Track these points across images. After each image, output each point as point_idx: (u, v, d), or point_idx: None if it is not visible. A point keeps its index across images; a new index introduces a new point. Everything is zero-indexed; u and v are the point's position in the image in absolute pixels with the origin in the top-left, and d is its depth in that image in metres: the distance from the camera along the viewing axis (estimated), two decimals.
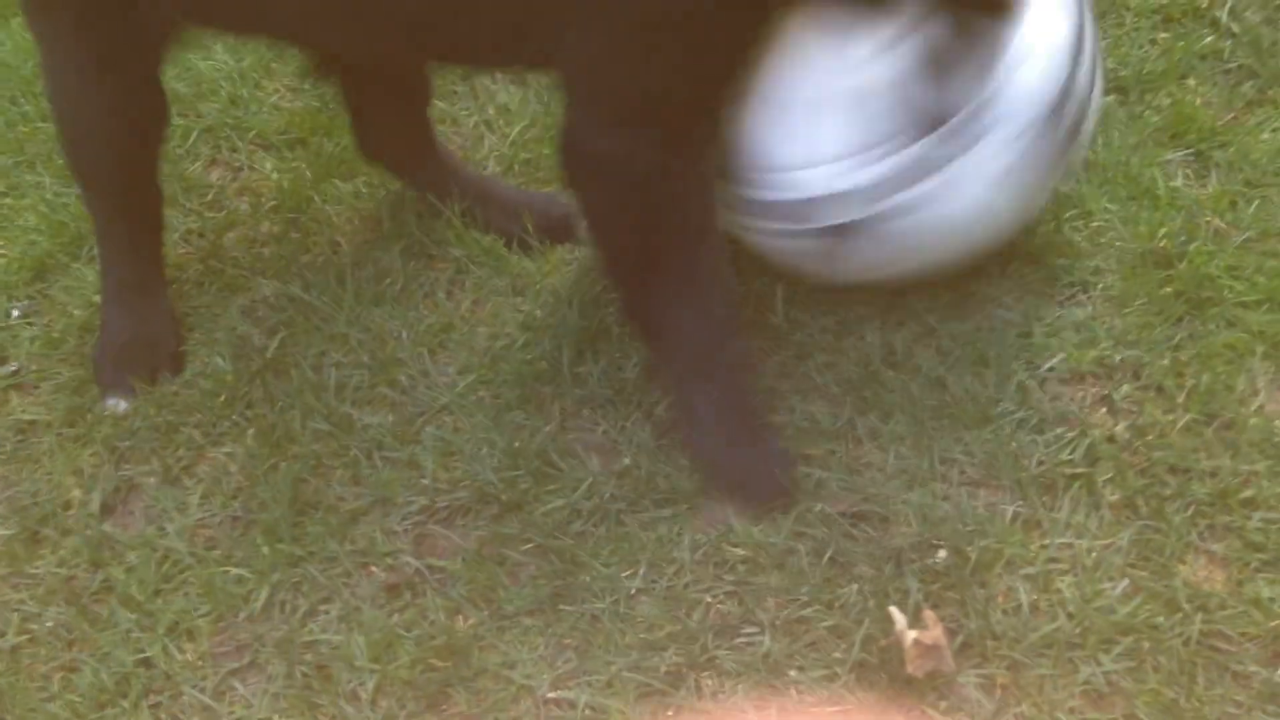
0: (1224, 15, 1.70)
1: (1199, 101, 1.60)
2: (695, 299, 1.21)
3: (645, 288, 1.22)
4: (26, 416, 1.47)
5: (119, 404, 1.46)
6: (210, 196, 1.69)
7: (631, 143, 1.12)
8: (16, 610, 1.31)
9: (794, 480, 1.27)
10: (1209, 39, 1.68)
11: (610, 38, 1.09)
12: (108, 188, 1.45)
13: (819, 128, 1.22)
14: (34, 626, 1.29)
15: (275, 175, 1.69)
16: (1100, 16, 1.68)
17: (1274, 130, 1.56)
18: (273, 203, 1.67)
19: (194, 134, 1.75)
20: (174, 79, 1.70)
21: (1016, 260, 1.47)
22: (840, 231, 1.25)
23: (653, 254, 1.18)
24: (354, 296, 1.53)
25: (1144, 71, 1.64)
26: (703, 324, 1.23)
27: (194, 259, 1.61)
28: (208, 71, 1.81)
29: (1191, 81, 1.64)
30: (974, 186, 1.26)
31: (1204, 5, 1.72)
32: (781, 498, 1.25)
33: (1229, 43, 1.67)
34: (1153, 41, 1.69)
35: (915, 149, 1.21)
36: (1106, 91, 1.56)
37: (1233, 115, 1.58)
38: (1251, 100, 1.61)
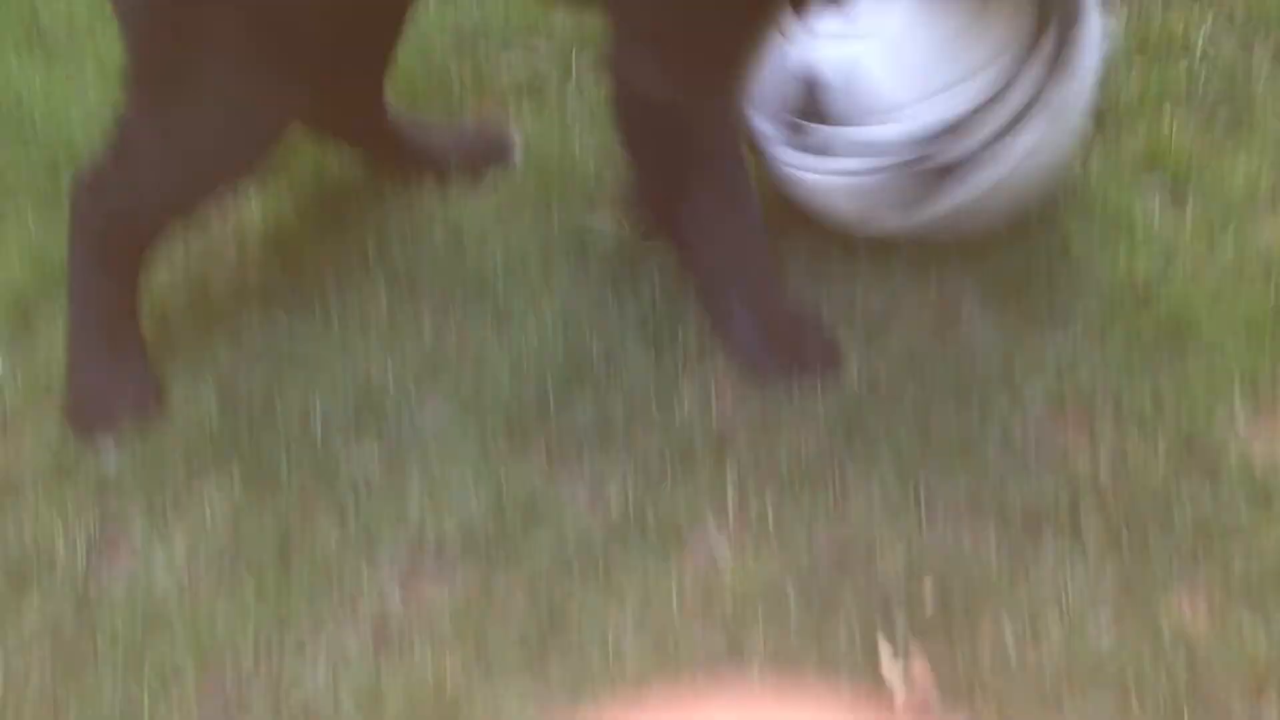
0: (1200, 43, 1.72)
1: (1175, 130, 1.62)
2: (727, 210, 1.35)
3: (680, 204, 1.35)
4: (10, 464, 1.46)
5: (106, 452, 1.44)
6: (192, 229, 1.68)
7: (671, 74, 1.26)
8: (1, 661, 1.30)
9: (837, 343, 1.39)
10: (1184, 66, 1.70)
11: None
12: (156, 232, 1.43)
13: (937, 62, 1.30)
14: (19, 676, 1.28)
15: (259, 207, 1.69)
16: None
17: (1249, 159, 1.57)
18: (257, 235, 1.66)
19: None
20: None
21: (997, 290, 1.49)
22: (949, 168, 1.33)
23: (687, 173, 1.32)
24: (340, 331, 1.53)
25: (1120, 101, 1.66)
26: (735, 231, 1.36)
27: (177, 294, 1.61)
28: None
29: (1167, 110, 1.66)
30: (1072, 119, 1.34)
31: (1179, 33, 1.73)
32: (833, 359, 1.38)
33: (1204, 71, 1.69)
34: (1129, 70, 1.70)
35: (1027, 77, 1.28)
36: None
37: (1209, 144, 1.59)
38: (1227, 129, 1.62)
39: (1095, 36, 1.35)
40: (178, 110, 1.33)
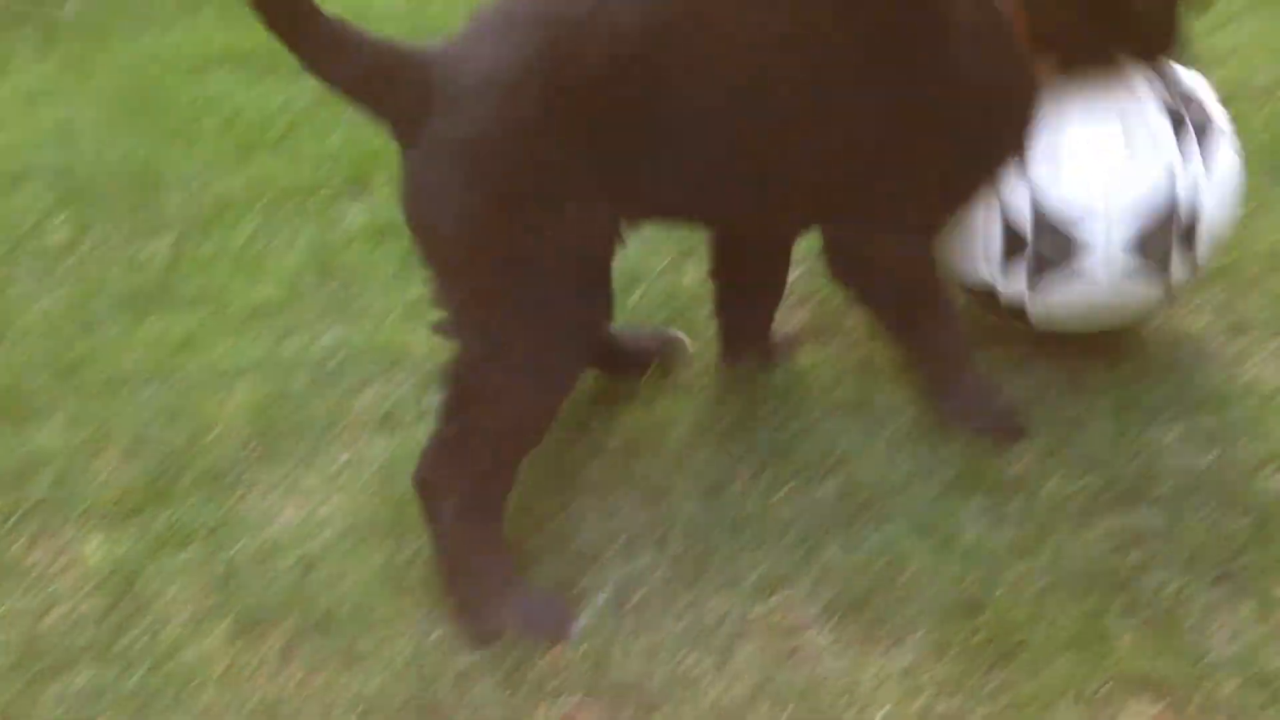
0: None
1: (993, 450, 1.73)
2: (944, 325, 1.73)
3: (913, 330, 1.73)
4: None
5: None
6: (32, 577, 1.65)
7: (898, 247, 1.67)
8: None
9: (1022, 418, 1.74)
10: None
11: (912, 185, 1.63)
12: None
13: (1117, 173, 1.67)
14: None
15: (101, 551, 1.67)
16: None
17: (1063, 476, 1.68)
18: (96, 581, 1.63)
19: (17, 514, 1.72)
20: None
21: (839, 609, 1.53)
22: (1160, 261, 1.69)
23: (916, 310, 1.71)
24: (178, 682, 1.49)
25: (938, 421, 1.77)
26: (952, 338, 1.74)
27: (7, 647, 1.55)
28: (36, 449, 1.81)
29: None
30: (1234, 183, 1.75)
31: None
32: (1020, 428, 1.73)
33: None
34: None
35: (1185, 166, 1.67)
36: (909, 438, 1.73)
37: (1022, 463, 1.71)
38: (1044, 447, 1.74)
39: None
40: (512, 340, 1.49)
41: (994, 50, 1.59)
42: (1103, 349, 1.83)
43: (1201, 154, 1.68)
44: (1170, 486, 1.64)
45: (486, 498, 1.53)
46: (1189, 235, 1.68)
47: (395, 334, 2.00)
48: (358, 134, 2.50)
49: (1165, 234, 1.66)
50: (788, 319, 1.94)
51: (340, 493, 1.75)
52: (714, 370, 1.87)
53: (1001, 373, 1.80)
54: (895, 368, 1.83)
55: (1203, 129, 1.69)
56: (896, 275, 1.68)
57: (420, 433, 1.83)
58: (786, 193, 1.61)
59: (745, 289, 1.83)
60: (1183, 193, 1.66)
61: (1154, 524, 1.60)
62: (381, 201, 2.31)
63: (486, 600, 1.50)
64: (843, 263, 1.69)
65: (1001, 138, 1.65)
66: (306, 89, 2.65)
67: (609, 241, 1.54)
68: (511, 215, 1.46)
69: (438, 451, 1.53)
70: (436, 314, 1.58)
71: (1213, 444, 1.69)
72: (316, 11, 1.46)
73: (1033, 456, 1.70)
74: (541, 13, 1.49)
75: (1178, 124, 1.67)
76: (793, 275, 1.89)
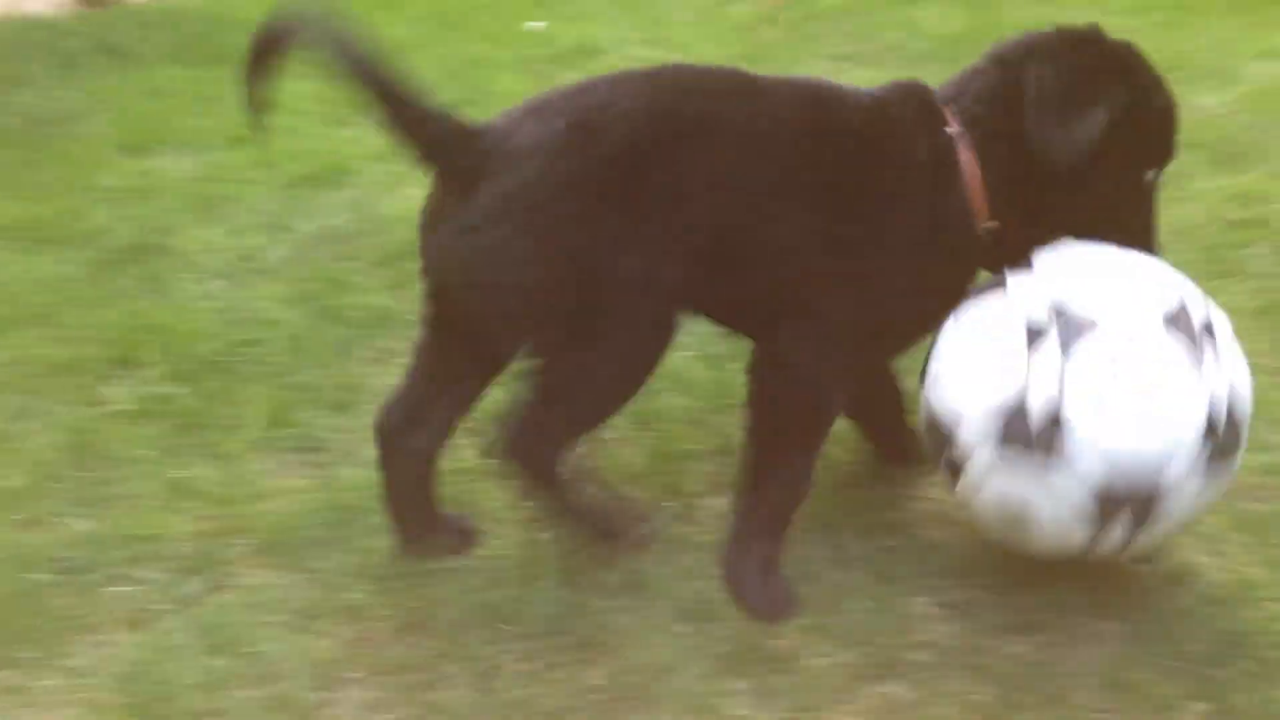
0: None
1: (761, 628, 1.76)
2: (795, 477, 1.83)
3: (771, 456, 1.82)
4: None
5: None
6: None
7: (820, 380, 1.82)
8: None
9: (793, 600, 1.78)
10: None
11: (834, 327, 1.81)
12: None
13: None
14: None
15: None
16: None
17: (825, 651, 1.71)
18: None
19: None
20: None
21: None
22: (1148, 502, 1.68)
23: (789, 438, 1.82)
24: None
25: (708, 598, 1.79)
26: (789, 495, 1.83)
27: None
28: None
29: None
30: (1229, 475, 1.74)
31: None
32: (789, 610, 1.77)
33: None
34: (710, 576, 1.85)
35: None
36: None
37: (788, 639, 1.74)
38: (806, 623, 1.77)
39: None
40: (588, 357, 1.74)
41: (944, 205, 1.78)
42: (865, 521, 1.90)
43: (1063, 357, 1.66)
44: (924, 657, 1.69)
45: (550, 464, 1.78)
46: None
47: (152, 520, 1.91)
48: (131, 307, 2.44)
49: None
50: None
51: (79, 697, 1.63)
52: (491, 547, 1.86)
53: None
54: (664, 547, 1.85)
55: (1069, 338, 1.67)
56: (798, 393, 1.81)
57: (174, 623, 1.74)
58: (746, 283, 1.81)
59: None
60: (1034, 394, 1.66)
61: (908, 696, 1.64)
62: (148, 379, 2.24)
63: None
64: (765, 360, 1.84)
65: (935, 289, 1.81)
66: (82, 261, 2.58)
67: (652, 279, 1.74)
68: (558, 251, 1.71)
69: (528, 427, 1.76)
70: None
71: (961, 613, 1.76)
72: (417, 96, 1.72)
73: (798, 632, 1.74)
74: (568, 103, 1.77)
75: (1036, 335, 1.68)
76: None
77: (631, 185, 1.73)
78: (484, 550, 1.87)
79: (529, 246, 1.70)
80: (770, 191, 1.77)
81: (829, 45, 3.62)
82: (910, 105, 1.82)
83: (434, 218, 1.77)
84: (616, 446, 2.08)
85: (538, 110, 1.77)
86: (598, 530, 1.82)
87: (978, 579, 1.81)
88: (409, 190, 2.79)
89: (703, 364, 2.24)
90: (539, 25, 3.80)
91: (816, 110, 1.81)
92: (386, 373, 2.18)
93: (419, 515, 1.85)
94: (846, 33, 3.74)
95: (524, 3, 4.04)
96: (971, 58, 1.88)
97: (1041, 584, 1.78)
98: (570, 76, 3.48)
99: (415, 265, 1.83)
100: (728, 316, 1.90)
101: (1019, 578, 1.80)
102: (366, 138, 3.14)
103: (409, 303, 2.28)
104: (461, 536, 1.87)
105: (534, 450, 1.77)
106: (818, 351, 1.80)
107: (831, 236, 1.78)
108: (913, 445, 1.96)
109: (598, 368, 1.76)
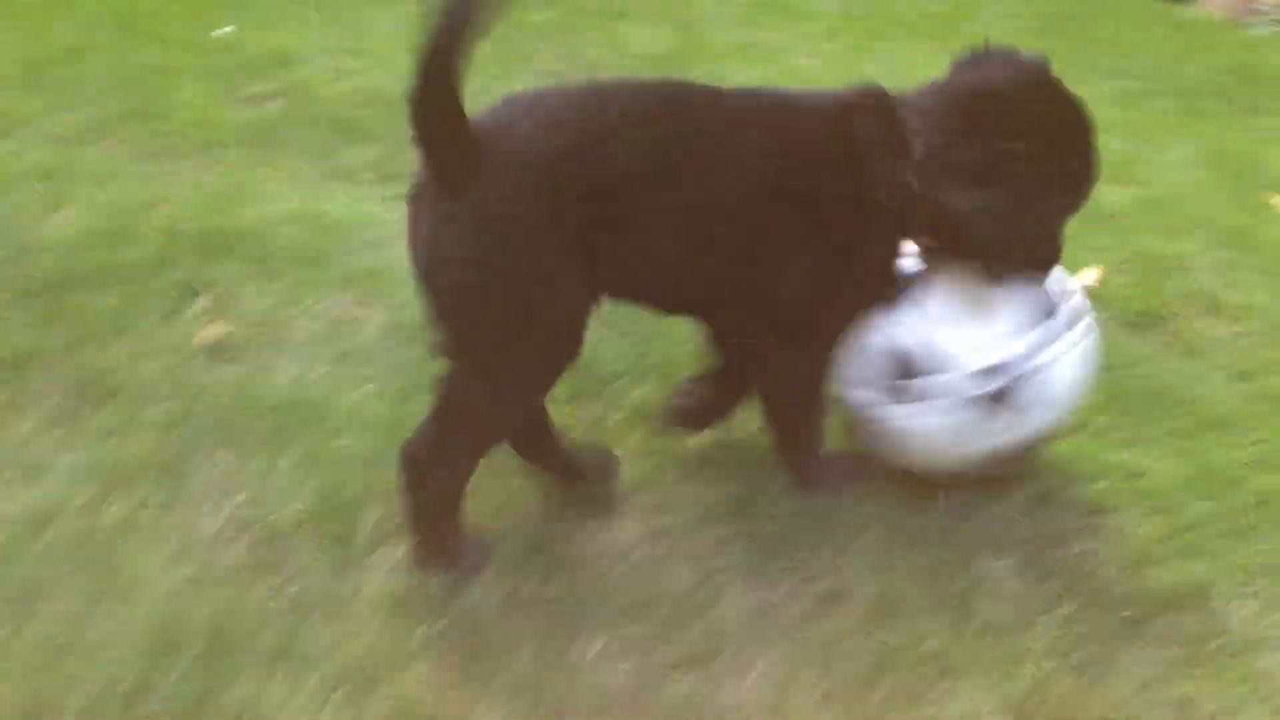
0: None
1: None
2: (815, 426, 2.10)
3: (797, 423, 2.10)
4: None
5: None
6: None
7: (805, 355, 2.04)
8: None
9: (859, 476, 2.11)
10: None
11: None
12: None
13: (981, 327, 2.00)
14: None
15: None
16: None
17: (488, 706, 1.67)
18: None
19: None
20: None
21: None
22: (999, 395, 1.96)
23: (793, 411, 2.09)
24: None
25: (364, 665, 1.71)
26: (811, 433, 2.11)
27: None
28: None
29: None
30: (1075, 366, 2.02)
31: None
32: (860, 477, 2.10)
33: None
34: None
35: (1039, 331, 1.99)
36: None
37: (456, 699, 1.68)
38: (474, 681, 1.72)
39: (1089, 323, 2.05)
40: (493, 378, 1.85)
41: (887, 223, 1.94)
42: (539, 567, 1.87)
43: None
44: (589, 705, 1.67)
45: (454, 481, 1.89)
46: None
47: None
48: None
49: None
50: None
51: None
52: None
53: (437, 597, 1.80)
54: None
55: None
56: (787, 383, 2.07)
57: None
58: (719, 299, 1.99)
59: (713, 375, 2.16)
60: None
61: None
62: None
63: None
64: (757, 364, 2.06)
65: (875, 288, 2.02)
66: None
67: (586, 307, 1.88)
68: (516, 278, 1.80)
69: (428, 440, 1.86)
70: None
71: (631, 653, 1.75)
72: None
73: (458, 692, 1.68)
74: (566, 113, 1.83)
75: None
76: None
77: (607, 219, 1.81)
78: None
79: (490, 263, 1.78)
80: (742, 207, 1.88)
81: (539, 61, 3.57)
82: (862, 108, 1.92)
83: (421, 201, 1.81)
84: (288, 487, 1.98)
85: (535, 112, 1.82)
86: (444, 556, 1.87)
87: (648, 616, 1.80)
88: (66, 213, 2.57)
89: (384, 402, 2.16)
90: (226, 31, 3.57)
91: (776, 117, 1.93)
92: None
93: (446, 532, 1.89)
94: (555, 49, 3.70)
95: (211, 7, 3.78)
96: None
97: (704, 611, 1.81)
98: (262, 87, 3.40)
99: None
100: (707, 323, 2.09)
101: (686, 611, 1.82)
102: (24, 151, 2.91)
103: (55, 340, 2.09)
104: (483, 550, 1.91)
105: (420, 458, 1.85)
106: (797, 348, 2.01)
107: (795, 242, 1.93)
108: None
109: (503, 381, 1.85)
